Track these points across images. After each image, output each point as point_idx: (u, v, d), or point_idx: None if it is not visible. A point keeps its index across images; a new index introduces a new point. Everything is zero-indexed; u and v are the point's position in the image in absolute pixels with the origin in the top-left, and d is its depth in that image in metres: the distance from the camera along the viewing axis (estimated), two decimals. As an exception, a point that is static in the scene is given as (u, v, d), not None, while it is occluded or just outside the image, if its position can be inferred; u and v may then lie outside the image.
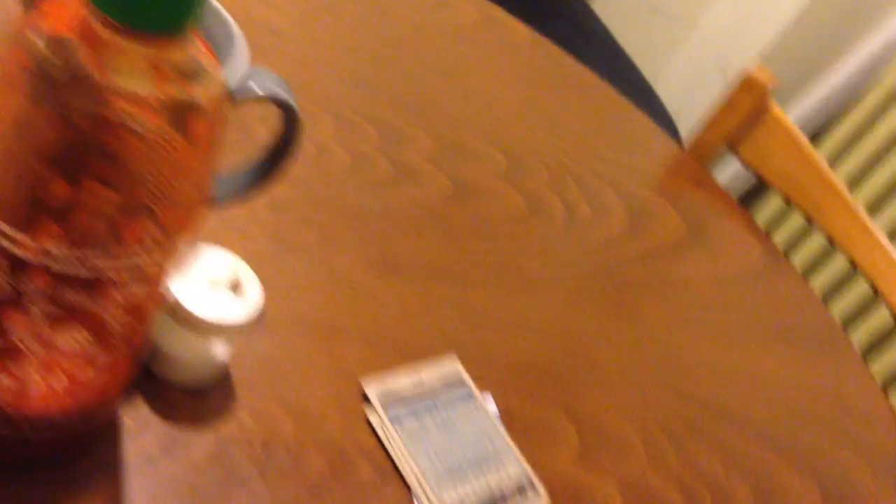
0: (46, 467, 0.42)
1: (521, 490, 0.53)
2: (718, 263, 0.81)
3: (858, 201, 0.92)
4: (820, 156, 0.94)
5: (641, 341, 0.69)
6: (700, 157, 0.95)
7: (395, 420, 0.52)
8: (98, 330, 0.37)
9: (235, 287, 0.46)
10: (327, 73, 0.74)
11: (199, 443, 0.46)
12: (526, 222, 0.72)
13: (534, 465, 0.54)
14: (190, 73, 0.35)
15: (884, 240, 0.89)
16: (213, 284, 0.45)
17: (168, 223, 0.35)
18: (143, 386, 0.47)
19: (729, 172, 1.60)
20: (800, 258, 1.45)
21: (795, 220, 1.47)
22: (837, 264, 1.40)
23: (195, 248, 0.46)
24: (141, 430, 0.45)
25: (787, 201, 0.95)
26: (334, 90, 0.73)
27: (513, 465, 0.54)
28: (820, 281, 1.41)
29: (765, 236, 0.89)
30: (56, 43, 0.35)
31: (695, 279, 0.77)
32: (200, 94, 0.35)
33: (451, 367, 0.57)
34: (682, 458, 0.61)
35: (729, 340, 0.73)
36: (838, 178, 0.93)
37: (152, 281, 0.38)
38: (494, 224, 0.70)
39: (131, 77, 0.34)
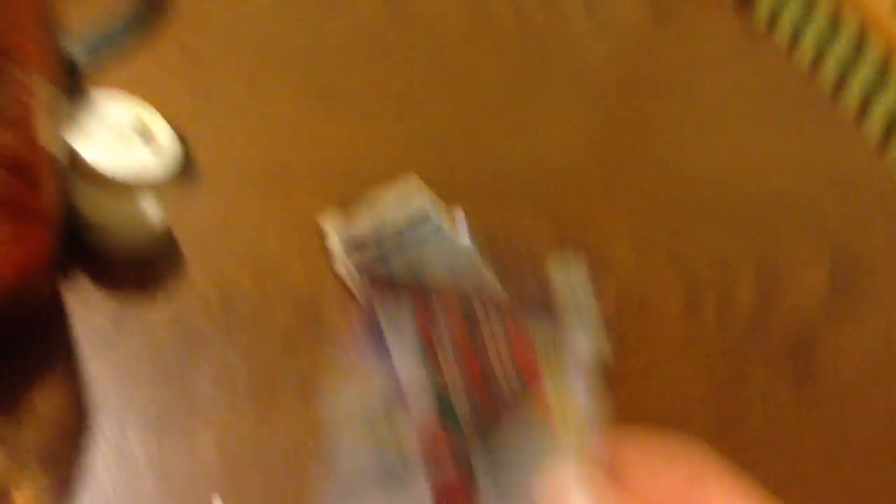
0: (-7, 360, 0.40)
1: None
2: (691, 49, 0.76)
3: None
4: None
5: (618, 142, 0.65)
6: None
7: (361, 269, 0.50)
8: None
9: (147, 137, 0.43)
10: None
11: (155, 311, 0.44)
12: (474, 35, 0.67)
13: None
14: None
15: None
16: (120, 136, 0.41)
17: (15, 53, 0.31)
18: (86, 264, 0.44)
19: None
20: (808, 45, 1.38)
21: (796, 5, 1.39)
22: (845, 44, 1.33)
23: (92, 98, 0.42)
24: (90, 308, 0.43)
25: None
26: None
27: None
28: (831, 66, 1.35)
29: (743, 14, 0.83)
30: None
31: (667, 69, 0.72)
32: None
33: (413, 189, 0.53)
34: (676, 253, 0.57)
35: (711, 118, 0.69)
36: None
37: (20, 125, 0.34)
38: (439, 42, 0.65)
39: None
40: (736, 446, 0.50)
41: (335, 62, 0.60)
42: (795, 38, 1.39)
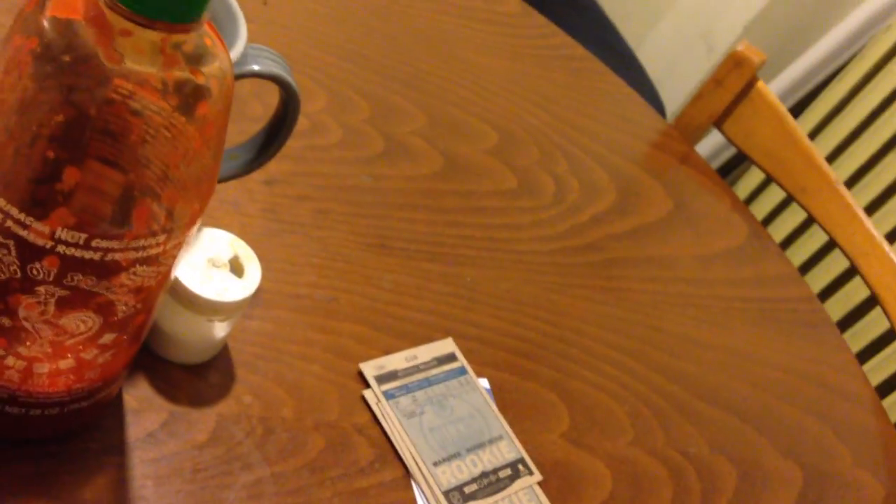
0: (52, 445, 0.42)
1: (513, 468, 0.54)
2: (703, 241, 0.82)
3: (839, 176, 0.94)
4: (802, 131, 0.95)
5: (628, 318, 0.70)
6: (686, 132, 0.96)
7: (389, 396, 0.53)
8: (105, 311, 0.37)
9: (235, 265, 0.47)
10: (317, 44, 0.74)
11: (200, 420, 0.47)
12: (516, 199, 0.73)
13: (525, 443, 0.55)
14: (197, 57, 0.35)
15: (863, 216, 0.90)
16: (212, 263, 0.46)
17: (174, 206, 0.35)
18: (145, 365, 0.47)
19: (710, 145, 1.61)
20: (779, 232, 1.47)
21: (775, 193, 1.49)
22: (816, 240, 1.42)
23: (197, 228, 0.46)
24: (143, 409, 0.46)
25: (769, 177, 0.97)
26: (325, 62, 0.72)
27: (506, 444, 0.55)
28: (798, 256, 1.44)
29: (749, 214, 0.90)
30: (61, 24, 0.34)
31: (680, 256, 0.78)
32: (207, 77, 0.35)
33: (447, 349, 0.58)
34: (668, 435, 0.63)
35: (712, 318, 0.75)
36: (819, 152, 0.94)
37: (158, 263, 0.38)
38: (485, 201, 0.71)
39: (138, 60, 0.34)
40: None
41: (392, 208, 0.64)
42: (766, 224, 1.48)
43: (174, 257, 0.38)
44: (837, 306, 1.36)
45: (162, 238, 0.36)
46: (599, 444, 0.59)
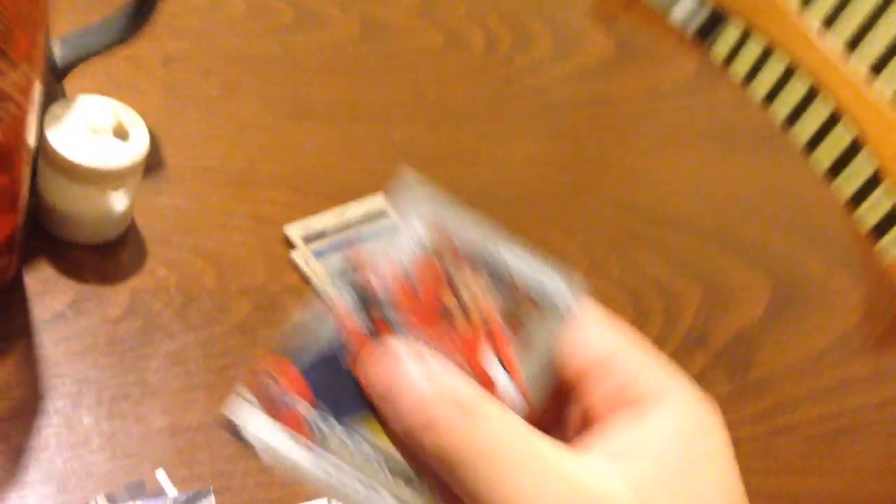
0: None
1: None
2: (650, 78, 0.79)
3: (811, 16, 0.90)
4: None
5: (575, 160, 0.67)
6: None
7: (318, 255, 0.51)
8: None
9: (121, 133, 0.44)
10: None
11: (112, 296, 0.45)
12: (445, 57, 0.70)
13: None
14: None
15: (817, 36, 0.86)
16: (93, 130, 0.43)
17: (10, 52, 0.33)
18: (45, 248, 0.45)
19: (681, 9, 1.56)
20: (761, 88, 1.42)
21: (752, 51, 1.44)
22: (796, 93, 1.37)
23: (71, 96, 0.44)
24: (48, 291, 0.44)
25: (745, 31, 0.92)
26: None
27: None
28: (783, 109, 1.39)
29: (701, 50, 0.86)
30: None
31: (625, 92, 0.75)
32: None
33: (377, 202, 0.55)
34: (624, 262, 0.60)
35: (666, 150, 0.72)
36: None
37: (6, 120, 0.35)
38: (412, 63, 0.68)
39: None
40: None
41: (308, 75, 0.62)
42: (752, 75, 1.43)
43: (18, 107, 0.35)
44: (825, 153, 1.33)
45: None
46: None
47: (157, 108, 0.54)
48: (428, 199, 0.25)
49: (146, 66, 0.55)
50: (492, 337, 0.24)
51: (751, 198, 0.71)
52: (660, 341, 0.56)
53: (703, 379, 0.55)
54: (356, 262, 0.24)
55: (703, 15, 1.57)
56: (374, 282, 0.24)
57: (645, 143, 0.71)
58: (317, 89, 0.61)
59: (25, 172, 0.39)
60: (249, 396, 0.23)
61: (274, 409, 0.23)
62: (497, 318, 0.24)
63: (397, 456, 0.24)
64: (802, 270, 0.67)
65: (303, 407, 0.23)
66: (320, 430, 0.23)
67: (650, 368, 0.23)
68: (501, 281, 0.25)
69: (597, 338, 0.24)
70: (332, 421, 0.23)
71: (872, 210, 1.30)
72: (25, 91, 0.35)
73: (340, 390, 0.23)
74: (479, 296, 0.24)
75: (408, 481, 0.24)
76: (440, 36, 0.71)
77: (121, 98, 0.46)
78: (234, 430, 0.23)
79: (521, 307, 0.25)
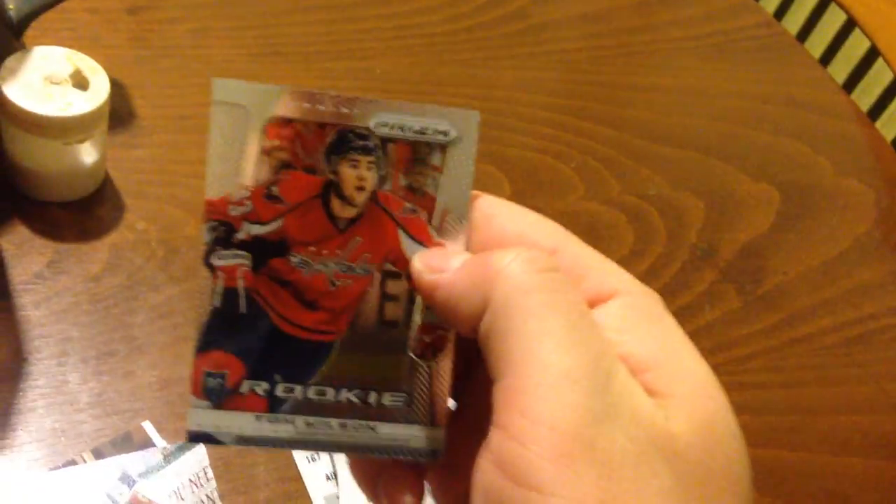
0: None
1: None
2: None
3: None
4: None
5: (565, 78, 0.65)
6: None
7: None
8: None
9: (82, 83, 0.42)
10: None
11: (91, 253, 0.44)
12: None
13: (463, 215, 0.52)
14: None
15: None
16: (50, 81, 0.41)
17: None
18: (19, 209, 0.44)
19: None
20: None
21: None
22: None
23: (28, 49, 0.42)
24: (24, 253, 0.43)
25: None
26: None
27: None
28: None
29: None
30: None
31: (615, 7, 0.72)
32: None
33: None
34: (624, 182, 0.58)
35: (660, 62, 0.69)
36: None
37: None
38: (389, -7, 0.65)
39: None
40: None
41: (280, 15, 0.59)
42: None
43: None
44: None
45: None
46: (547, 204, 0.55)
47: (125, 60, 0.52)
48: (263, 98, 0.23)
49: (111, 16, 0.54)
50: (393, 217, 0.23)
51: (756, 108, 0.68)
52: (665, 259, 0.55)
53: (712, 294, 0.54)
54: (210, 211, 0.22)
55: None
56: (235, 214, 0.22)
57: (640, 58, 0.69)
58: (291, 28, 0.59)
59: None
60: (199, 402, 0.22)
61: (225, 400, 0.23)
62: (393, 197, 0.23)
63: (360, 371, 0.23)
64: (812, 177, 0.64)
65: (244, 385, 0.22)
66: (270, 395, 0.23)
67: (591, 265, 0.22)
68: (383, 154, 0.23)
69: (510, 226, 0.23)
70: (276, 378, 0.23)
71: (890, 122, 1.26)
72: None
73: (260, 349, 0.23)
74: (368, 180, 0.23)
75: (383, 391, 0.23)
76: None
77: (86, 51, 0.44)
78: (201, 438, 0.23)
79: (417, 172, 0.23)
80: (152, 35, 0.54)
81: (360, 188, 0.23)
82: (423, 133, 0.24)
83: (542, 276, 0.20)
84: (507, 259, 0.20)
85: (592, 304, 0.21)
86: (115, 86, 0.48)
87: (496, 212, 0.23)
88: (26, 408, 0.38)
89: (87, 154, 0.43)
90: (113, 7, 0.54)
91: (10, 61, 0.41)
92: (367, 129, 0.23)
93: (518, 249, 0.21)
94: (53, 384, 0.39)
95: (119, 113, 0.50)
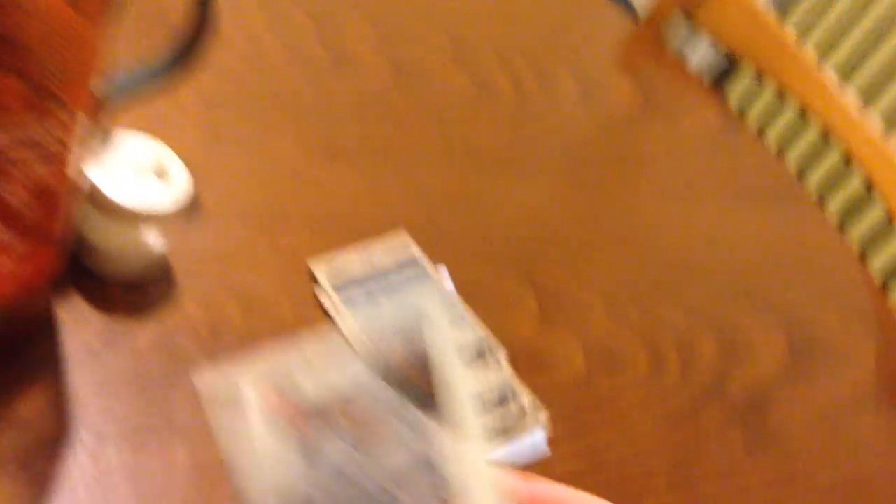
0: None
1: (480, 354, 0.53)
2: (674, 130, 0.79)
3: (826, 67, 0.90)
4: (773, 19, 0.91)
5: (600, 212, 0.68)
6: (656, 27, 0.93)
7: (347, 302, 0.52)
8: (5, 215, 0.36)
9: (161, 174, 0.45)
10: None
11: (142, 333, 0.46)
12: (474, 103, 0.71)
13: (490, 328, 0.54)
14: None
15: (853, 102, 0.87)
16: (136, 171, 0.44)
17: (62, 96, 0.34)
18: (80, 283, 0.46)
19: (698, 55, 1.57)
20: (774, 134, 1.43)
21: (767, 96, 1.45)
22: (810, 137, 1.38)
23: (113, 135, 0.45)
24: (79, 325, 0.45)
25: (758, 74, 0.93)
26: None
27: (469, 333, 0.53)
28: (795, 155, 1.40)
29: (720, 100, 0.87)
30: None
31: (651, 147, 0.76)
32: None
33: (401, 242, 0.56)
34: (645, 316, 0.61)
35: (688, 203, 0.72)
36: (806, 48, 0.91)
37: (56, 160, 0.36)
38: (441, 106, 0.69)
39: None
40: (690, 495, 0.51)
41: (341, 118, 0.63)
42: (764, 127, 1.44)
43: (73, 154, 0.36)
44: (836, 203, 1.33)
45: (52, 130, 0.35)
46: (571, 329, 0.57)
47: (195, 148, 0.55)
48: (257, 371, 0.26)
49: (186, 106, 0.57)
50: None
51: (767, 249, 0.71)
52: (675, 391, 0.56)
53: (719, 433, 0.55)
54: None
55: (718, 60, 1.58)
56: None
57: (665, 192, 0.72)
58: (348, 131, 0.62)
59: (68, 211, 0.40)
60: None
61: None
62: None
63: None
64: (818, 324, 0.67)
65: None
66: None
67: None
68: None
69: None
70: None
71: (884, 255, 1.29)
72: (73, 132, 0.36)
73: None
74: None
75: None
76: (468, 79, 0.72)
77: (159, 136, 0.47)
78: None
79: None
80: (222, 127, 0.58)
81: None
82: None
83: None
84: None
85: None
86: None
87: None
88: (63, 477, 0.40)
89: (156, 241, 0.46)
90: (190, 97, 0.57)
91: (97, 146, 0.44)
92: None
93: None
94: (92, 456, 0.41)
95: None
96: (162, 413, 0.43)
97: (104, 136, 0.46)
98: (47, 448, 0.40)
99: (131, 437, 0.42)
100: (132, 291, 0.47)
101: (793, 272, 0.70)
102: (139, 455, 0.41)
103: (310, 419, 0.26)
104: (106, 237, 0.45)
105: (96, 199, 0.43)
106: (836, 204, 1.32)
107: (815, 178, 1.36)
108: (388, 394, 0.26)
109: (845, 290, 0.71)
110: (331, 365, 0.27)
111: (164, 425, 0.43)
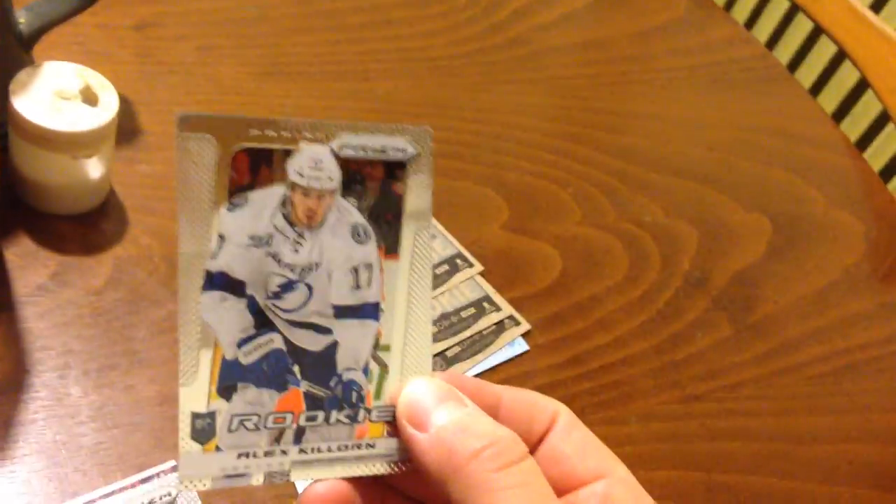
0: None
1: (451, 264, 0.51)
2: (639, 19, 0.77)
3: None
4: None
5: (564, 105, 0.66)
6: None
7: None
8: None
9: (91, 99, 0.43)
10: None
11: (95, 266, 0.44)
12: (427, 7, 0.68)
13: (462, 240, 0.52)
14: None
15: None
16: (60, 96, 0.42)
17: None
18: (25, 221, 0.44)
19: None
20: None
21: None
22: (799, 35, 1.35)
23: (38, 64, 0.43)
24: (28, 264, 0.43)
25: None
26: None
27: (439, 242, 0.52)
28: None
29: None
30: None
31: (614, 37, 0.73)
32: None
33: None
34: (620, 209, 0.59)
35: (657, 91, 0.70)
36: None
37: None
38: (392, 13, 0.66)
39: None
40: (679, 377, 0.50)
41: (285, 34, 0.60)
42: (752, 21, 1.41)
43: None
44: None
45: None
46: (544, 228, 0.56)
47: (132, 75, 0.53)
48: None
49: (118, 33, 0.54)
50: None
51: (750, 139, 0.69)
52: (659, 285, 0.55)
53: (704, 322, 0.55)
54: None
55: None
56: None
57: (637, 86, 0.70)
58: (295, 48, 0.60)
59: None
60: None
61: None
62: None
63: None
64: (803, 208, 0.65)
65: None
66: None
67: (587, 451, 0.24)
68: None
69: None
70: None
71: (878, 153, 1.28)
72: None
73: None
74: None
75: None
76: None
77: (94, 66, 0.45)
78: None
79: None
80: (159, 52, 0.55)
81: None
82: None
83: (507, 472, 0.21)
84: (471, 454, 0.21)
85: (583, 484, 0.23)
86: (122, 101, 0.49)
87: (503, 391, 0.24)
88: (28, 419, 0.39)
89: (94, 168, 0.44)
90: (121, 23, 0.55)
91: (20, 75, 0.42)
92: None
93: (487, 439, 0.21)
94: (55, 397, 0.39)
95: (125, 128, 0.50)
96: (124, 348, 0.42)
97: (27, 64, 0.44)
98: (8, 392, 0.39)
99: (94, 374, 0.41)
100: (83, 227, 0.45)
101: (777, 159, 0.68)
102: (103, 391, 0.40)
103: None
104: (42, 169, 0.43)
105: (24, 128, 0.41)
106: (827, 99, 1.29)
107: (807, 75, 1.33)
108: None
109: (832, 175, 0.69)
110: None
111: (127, 360, 0.41)
